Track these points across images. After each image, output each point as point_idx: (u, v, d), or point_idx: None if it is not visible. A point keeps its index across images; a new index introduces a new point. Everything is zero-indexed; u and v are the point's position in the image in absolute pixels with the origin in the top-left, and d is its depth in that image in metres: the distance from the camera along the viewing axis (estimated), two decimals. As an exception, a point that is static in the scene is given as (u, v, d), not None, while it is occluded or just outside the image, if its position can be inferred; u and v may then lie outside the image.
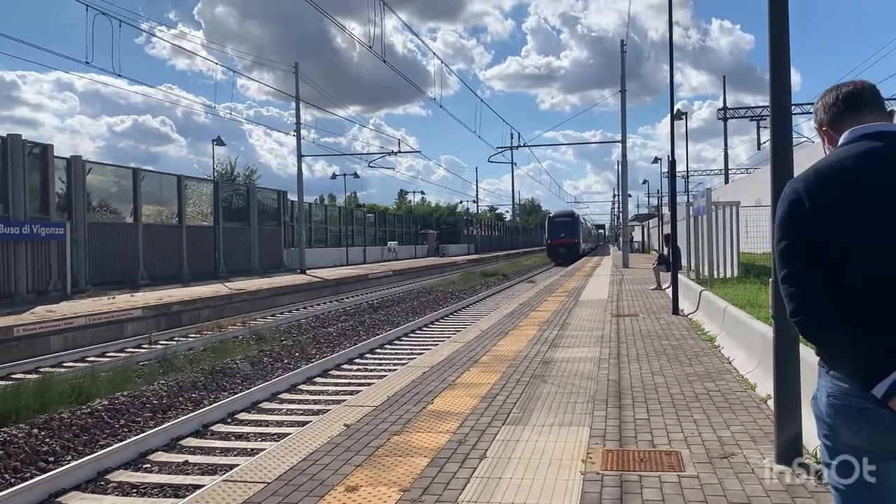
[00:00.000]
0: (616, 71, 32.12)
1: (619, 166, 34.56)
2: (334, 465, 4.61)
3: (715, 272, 16.78)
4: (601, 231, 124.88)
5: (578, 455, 4.70)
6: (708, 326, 10.58)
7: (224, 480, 4.50)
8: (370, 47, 14.76)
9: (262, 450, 6.78)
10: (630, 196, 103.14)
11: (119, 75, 18.67)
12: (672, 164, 13.13)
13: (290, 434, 6.06)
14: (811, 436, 4.53)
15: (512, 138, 46.68)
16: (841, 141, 2.16)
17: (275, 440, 7.45)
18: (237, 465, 5.52)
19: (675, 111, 31.65)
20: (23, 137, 19.85)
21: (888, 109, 2.20)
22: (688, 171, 53.87)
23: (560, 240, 52.20)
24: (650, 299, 16.31)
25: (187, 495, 5.16)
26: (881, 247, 1.95)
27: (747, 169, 56.60)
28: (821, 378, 2.11)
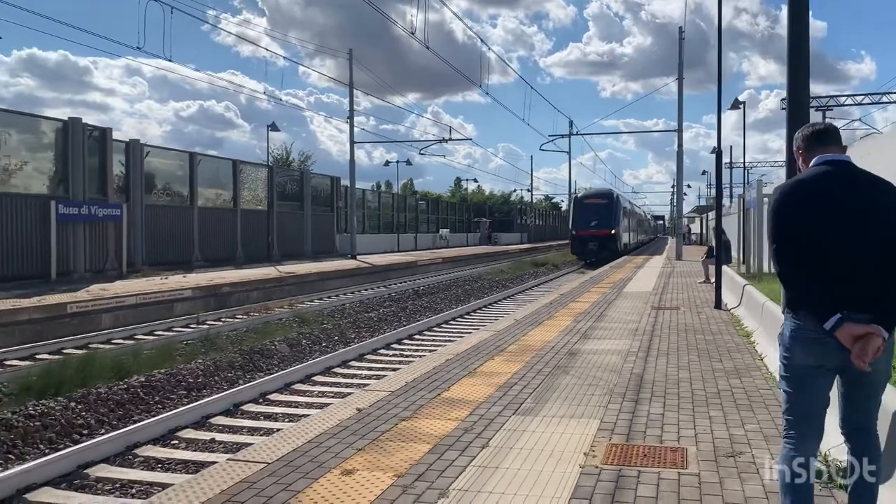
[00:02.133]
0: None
1: (677, 156, 33.78)
2: (336, 448, 4.67)
3: (765, 266, 16.34)
4: (660, 222, 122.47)
5: (581, 448, 4.65)
6: (747, 322, 10.31)
7: (229, 459, 4.62)
8: (412, 33, 14.80)
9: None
10: (689, 187, 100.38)
11: (170, 60, 19.03)
12: (718, 154, 12.79)
13: (309, 415, 6.16)
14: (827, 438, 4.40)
15: (571, 126, 46.16)
16: (811, 164, 3.18)
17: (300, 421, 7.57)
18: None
19: (734, 102, 30.82)
20: (83, 121, 20.52)
21: (844, 144, 3.24)
22: (745, 163, 52.13)
23: (589, 230, 38.13)
24: (695, 292, 15.97)
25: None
26: (831, 238, 2.98)
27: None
28: (786, 321, 3.15)
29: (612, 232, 38.40)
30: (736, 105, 29.99)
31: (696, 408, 5.72)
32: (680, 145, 32.23)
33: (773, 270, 16.05)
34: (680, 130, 31.89)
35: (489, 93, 32.67)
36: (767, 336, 8.52)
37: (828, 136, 3.19)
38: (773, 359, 7.47)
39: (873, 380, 3.06)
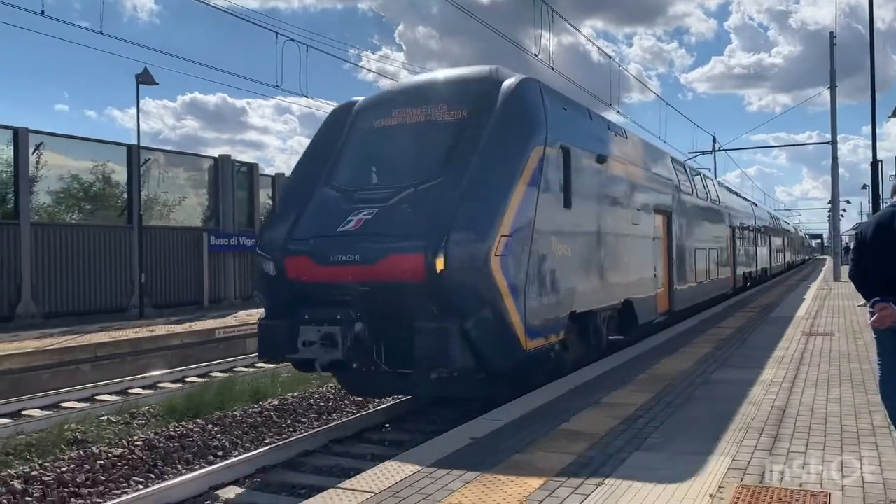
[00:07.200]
0: (838, 67, 29.11)
1: (831, 170, 31.35)
2: (445, 480, 4.54)
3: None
4: (817, 242, 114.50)
5: (708, 489, 4.26)
6: (913, 350, 9.26)
7: (336, 488, 4.61)
8: (536, 56, 14.60)
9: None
10: (849, 202, 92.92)
11: (307, 96, 20.10)
12: (874, 165, 11.72)
13: (424, 444, 6.08)
14: None
15: (714, 142, 44.15)
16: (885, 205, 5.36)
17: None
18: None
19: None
20: (232, 158, 21.90)
21: None
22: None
23: (333, 260, 7.29)
24: (853, 316, 14.64)
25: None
26: (886, 261, 4.72)
27: None
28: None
29: (441, 267, 6.80)
30: (897, 113, 27.52)
31: (846, 446, 5.13)
32: (835, 158, 29.94)
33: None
34: (834, 142, 29.68)
35: (625, 112, 31.30)
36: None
37: None
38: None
39: None
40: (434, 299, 6.89)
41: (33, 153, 18.94)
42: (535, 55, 14.83)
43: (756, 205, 33.57)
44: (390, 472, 4.78)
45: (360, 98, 9.16)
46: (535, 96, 8.19)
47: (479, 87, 8.20)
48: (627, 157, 11.09)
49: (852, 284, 5.11)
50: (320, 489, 6.48)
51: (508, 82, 8.06)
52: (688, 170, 16.83)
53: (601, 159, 9.52)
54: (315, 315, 7.29)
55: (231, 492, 6.57)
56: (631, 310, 10.86)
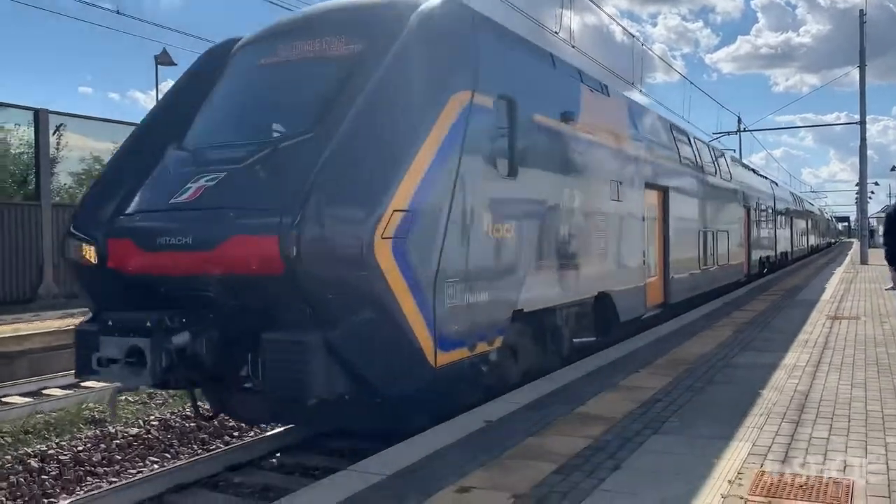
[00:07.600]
0: (867, 45, 28.56)
1: (859, 150, 30.76)
2: (458, 463, 4.46)
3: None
4: (843, 224, 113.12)
5: (727, 475, 4.15)
6: (942, 334, 9.06)
7: (349, 469, 4.56)
8: (556, 33, 14.31)
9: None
10: (877, 184, 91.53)
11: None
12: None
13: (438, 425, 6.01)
14: None
15: (739, 122, 43.52)
16: None
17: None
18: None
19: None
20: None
21: None
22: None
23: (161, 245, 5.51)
24: (881, 300, 14.37)
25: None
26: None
27: None
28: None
29: (294, 253, 4.89)
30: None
31: (871, 433, 4.99)
32: (863, 139, 29.39)
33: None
34: (863, 123, 29.11)
35: (647, 92, 30.82)
36: (965, 351, 7.41)
37: None
38: (971, 378, 6.45)
39: None
40: (298, 299, 5.04)
41: (54, 134, 19.04)
42: (555, 33, 14.54)
43: (776, 184, 31.69)
44: (404, 454, 4.72)
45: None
46: (461, 26, 6.20)
47: (388, 12, 6.13)
48: (607, 119, 9.20)
49: (888, 267, 5.67)
50: (334, 471, 6.51)
51: (424, 6, 5.98)
52: (693, 141, 14.49)
53: (567, 118, 7.68)
54: (119, 321, 5.36)
55: (247, 473, 6.55)
56: (609, 304, 9.06)
